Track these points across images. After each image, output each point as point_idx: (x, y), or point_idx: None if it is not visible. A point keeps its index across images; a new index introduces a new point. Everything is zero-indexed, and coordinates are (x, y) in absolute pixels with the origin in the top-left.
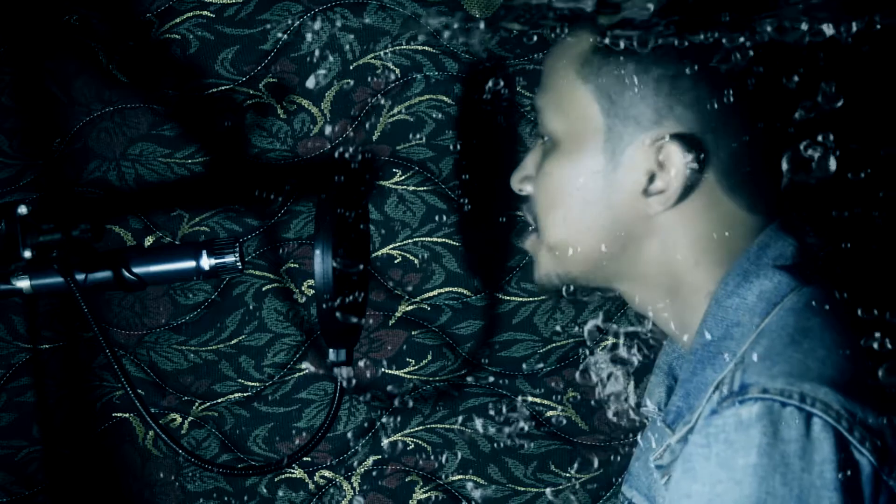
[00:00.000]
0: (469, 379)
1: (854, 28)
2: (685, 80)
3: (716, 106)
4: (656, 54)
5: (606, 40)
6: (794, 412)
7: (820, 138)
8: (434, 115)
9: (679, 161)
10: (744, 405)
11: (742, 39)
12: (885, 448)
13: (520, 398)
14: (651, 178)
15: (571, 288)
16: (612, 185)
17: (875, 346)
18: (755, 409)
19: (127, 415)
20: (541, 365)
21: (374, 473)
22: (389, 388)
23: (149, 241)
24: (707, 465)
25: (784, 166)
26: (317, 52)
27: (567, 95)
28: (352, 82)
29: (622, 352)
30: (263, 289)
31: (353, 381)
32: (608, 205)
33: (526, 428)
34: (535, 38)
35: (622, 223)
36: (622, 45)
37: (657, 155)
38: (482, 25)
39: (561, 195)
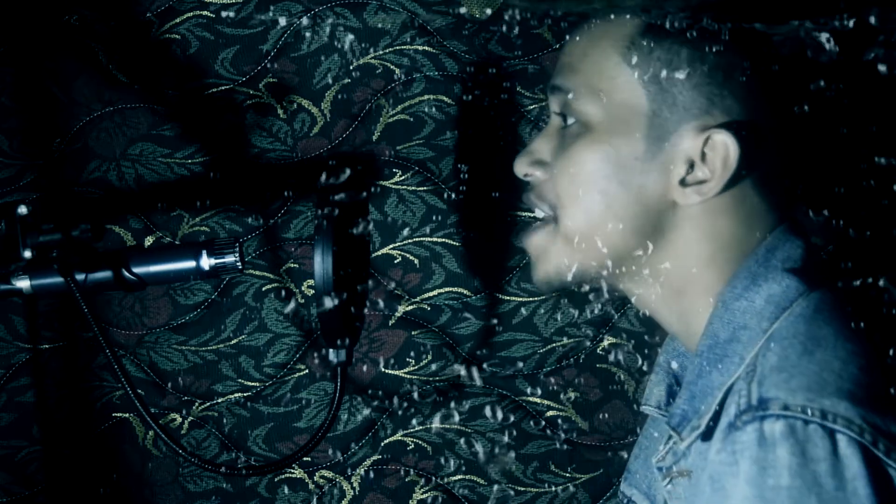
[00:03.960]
0: (469, 379)
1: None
2: (739, 71)
3: (765, 101)
4: (713, 41)
5: (660, 22)
6: (818, 430)
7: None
8: (434, 115)
9: (730, 151)
10: (766, 421)
11: (798, 33)
12: None
13: (529, 391)
14: (690, 168)
15: (581, 284)
16: (649, 172)
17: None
18: (778, 428)
19: (127, 415)
20: (541, 365)
21: (374, 473)
22: (389, 388)
23: (149, 241)
24: (736, 483)
25: (817, 167)
26: (317, 52)
27: (608, 78)
28: (351, 82)
29: (623, 350)
30: (263, 289)
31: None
32: (641, 193)
33: (526, 428)
34: (535, 38)
35: (651, 212)
36: (678, 29)
37: (703, 144)
38: (482, 25)
39: (591, 181)
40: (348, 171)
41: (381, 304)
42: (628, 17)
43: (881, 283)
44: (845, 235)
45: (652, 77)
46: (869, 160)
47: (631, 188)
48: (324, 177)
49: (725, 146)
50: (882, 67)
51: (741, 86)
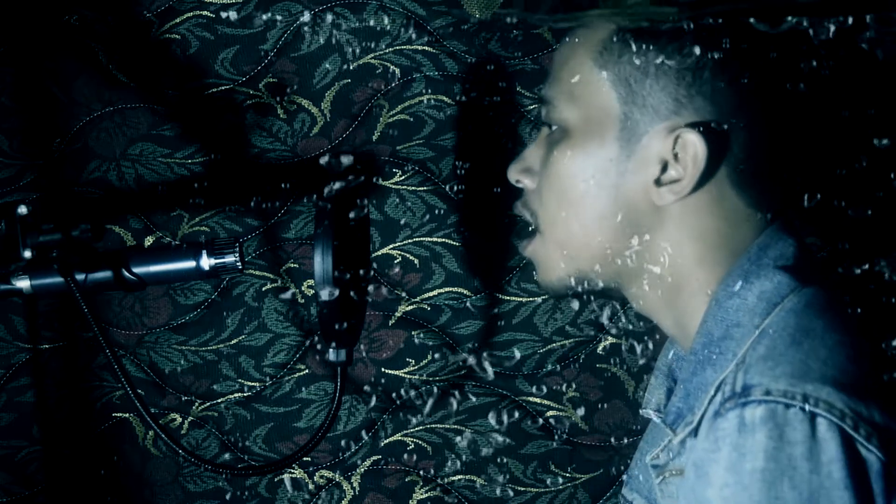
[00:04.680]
0: (469, 379)
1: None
2: (707, 72)
3: (735, 99)
4: (680, 43)
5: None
6: (798, 413)
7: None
8: (434, 115)
9: (698, 150)
10: (747, 407)
11: (767, 32)
12: (895, 444)
13: (529, 391)
14: (664, 168)
15: (580, 287)
16: (625, 173)
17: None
18: (759, 412)
19: (127, 415)
20: (541, 365)
21: (374, 473)
22: (389, 388)
23: (149, 241)
24: (717, 468)
25: (796, 163)
26: (317, 52)
27: (582, 83)
28: (351, 82)
29: (623, 350)
30: (263, 289)
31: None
32: (619, 194)
33: (526, 428)
34: (535, 38)
35: (632, 213)
36: (645, 33)
37: (673, 144)
38: (482, 25)
39: (571, 184)
40: (350, 161)
41: (381, 304)
42: (604, 23)
43: (879, 266)
44: (839, 228)
45: (622, 80)
46: (853, 153)
47: (609, 190)
48: (323, 160)
49: (693, 144)
50: (866, 57)
51: (711, 86)
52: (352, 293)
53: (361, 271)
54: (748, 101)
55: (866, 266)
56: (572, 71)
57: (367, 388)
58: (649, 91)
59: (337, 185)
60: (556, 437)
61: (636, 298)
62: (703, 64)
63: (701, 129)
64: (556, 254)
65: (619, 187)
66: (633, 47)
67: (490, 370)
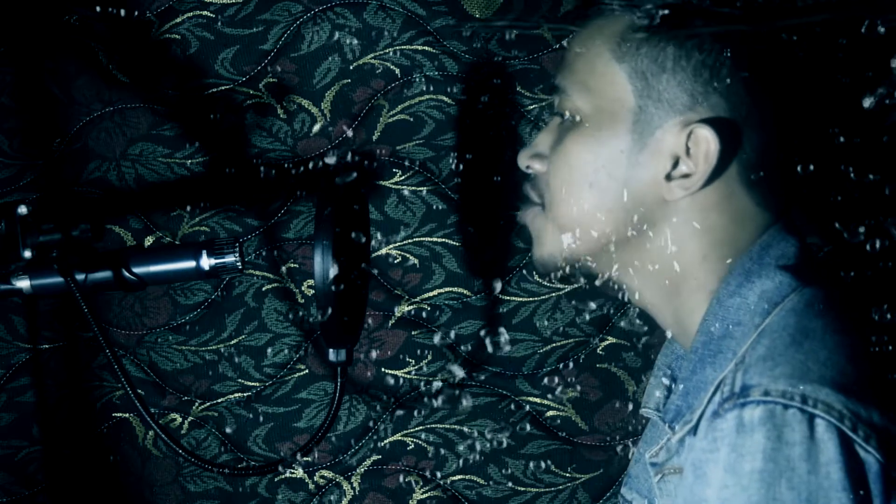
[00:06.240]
0: (468, 380)
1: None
2: (725, 69)
3: (750, 98)
4: (699, 40)
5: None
6: (797, 414)
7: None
8: (434, 115)
9: (710, 146)
10: (746, 408)
11: (784, 34)
12: (894, 445)
13: (529, 391)
14: (675, 163)
15: (569, 269)
16: (636, 166)
17: (879, 346)
18: (757, 413)
19: (127, 415)
20: (542, 365)
21: (374, 473)
22: (389, 388)
23: (149, 241)
24: (716, 469)
25: (805, 165)
26: (317, 52)
27: (598, 74)
28: (351, 82)
29: (623, 350)
30: (263, 289)
31: (353, 382)
32: (628, 186)
33: (526, 428)
34: (535, 38)
35: (639, 206)
36: (665, 28)
37: (686, 139)
38: (482, 25)
39: (580, 173)
40: (350, 163)
41: (381, 304)
42: (622, 15)
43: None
44: (840, 235)
45: (639, 73)
46: (866, 155)
47: (618, 181)
48: (324, 177)
49: (707, 140)
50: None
51: (727, 83)
52: (352, 291)
53: (361, 269)
54: (764, 100)
55: (868, 260)
56: (588, 62)
57: (367, 388)
58: (665, 85)
59: (337, 180)
60: (557, 437)
61: (636, 292)
62: (722, 61)
63: (715, 125)
64: (556, 232)
65: (629, 179)
66: (652, 41)
67: (504, 345)
